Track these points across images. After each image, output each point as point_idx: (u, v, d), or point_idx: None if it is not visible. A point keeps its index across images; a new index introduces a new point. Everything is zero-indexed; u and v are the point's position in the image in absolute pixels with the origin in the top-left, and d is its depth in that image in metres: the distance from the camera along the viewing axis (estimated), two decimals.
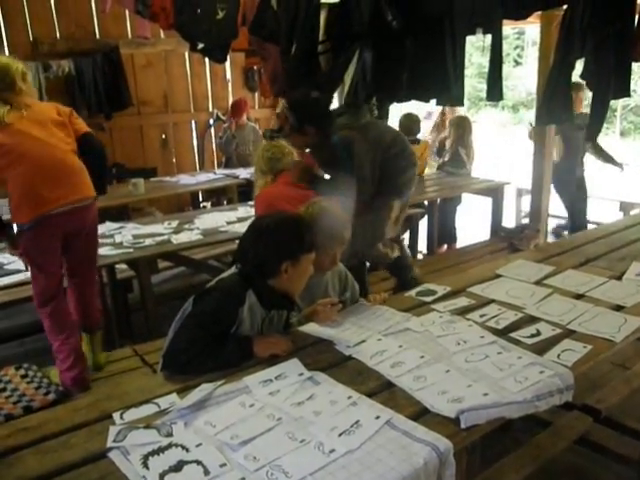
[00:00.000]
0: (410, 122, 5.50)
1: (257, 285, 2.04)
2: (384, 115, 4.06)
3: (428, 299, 2.50)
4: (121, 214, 5.03)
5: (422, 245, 5.80)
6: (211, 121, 7.36)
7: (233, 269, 2.12)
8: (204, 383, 1.80)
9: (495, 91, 3.96)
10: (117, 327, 4.00)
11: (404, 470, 1.39)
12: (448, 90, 3.35)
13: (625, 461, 2.56)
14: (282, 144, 3.35)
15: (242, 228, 3.89)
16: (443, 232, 5.82)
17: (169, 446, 1.50)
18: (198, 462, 1.43)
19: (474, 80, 17.13)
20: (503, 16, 3.25)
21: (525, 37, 19.69)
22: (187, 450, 1.48)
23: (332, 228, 2.34)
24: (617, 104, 15.32)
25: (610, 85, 3.15)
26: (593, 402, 2.60)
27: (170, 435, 1.54)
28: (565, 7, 3.37)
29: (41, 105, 2.95)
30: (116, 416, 1.65)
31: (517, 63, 19.93)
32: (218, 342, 1.93)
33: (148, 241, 3.75)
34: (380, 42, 3.32)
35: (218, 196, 6.20)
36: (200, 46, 4.30)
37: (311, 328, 2.22)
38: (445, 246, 5.97)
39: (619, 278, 2.68)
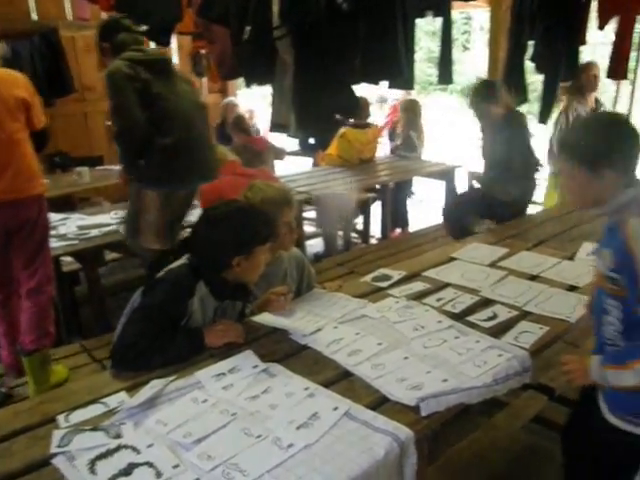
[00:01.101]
0: (363, 106, 5.47)
1: (208, 276, 1.97)
2: (347, 96, 3.99)
3: (384, 284, 2.48)
4: (66, 204, 4.83)
5: (376, 229, 5.81)
6: None
7: (183, 259, 2.03)
8: (154, 379, 1.71)
9: (446, 74, 3.98)
10: (64, 323, 3.84)
11: (364, 462, 1.35)
12: (400, 73, 3.33)
13: None
14: None
15: (193, 217, 3.81)
16: (395, 216, 5.83)
17: (118, 448, 1.42)
18: (149, 464, 1.36)
19: (423, 65, 17.23)
20: None
21: (472, 22, 19.91)
22: (138, 452, 1.40)
23: (272, 197, 2.29)
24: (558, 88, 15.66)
25: (560, 67, 3.19)
26: (547, 381, 2.64)
27: (119, 436, 1.46)
28: None
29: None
30: (60, 419, 1.55)
31: (465, 48, 20.15)
32: (168, 335, 1.85)
33: (94, 232, 3.61)
34: (334, 26, 3.25)
35: None
36: (143, 28, 4.13)
37: (265, 318, 2.15)
38: (398, 230, 5.98)
39: (571, 258, 2.71)
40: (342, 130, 5.33)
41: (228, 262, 1.94)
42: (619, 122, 1.65)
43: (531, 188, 3.84)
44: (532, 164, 3.71)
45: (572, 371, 1.71)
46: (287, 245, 2.40)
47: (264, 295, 2.25)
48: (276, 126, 3.89)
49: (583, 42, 3.20)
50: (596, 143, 1.58)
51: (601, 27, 3.13)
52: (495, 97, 3.45)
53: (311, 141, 6.16)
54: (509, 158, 3.54)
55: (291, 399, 1.60)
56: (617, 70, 3.05)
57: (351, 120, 5.36)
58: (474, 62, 18.33)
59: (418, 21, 3.99)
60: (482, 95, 3.52)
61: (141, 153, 2.98)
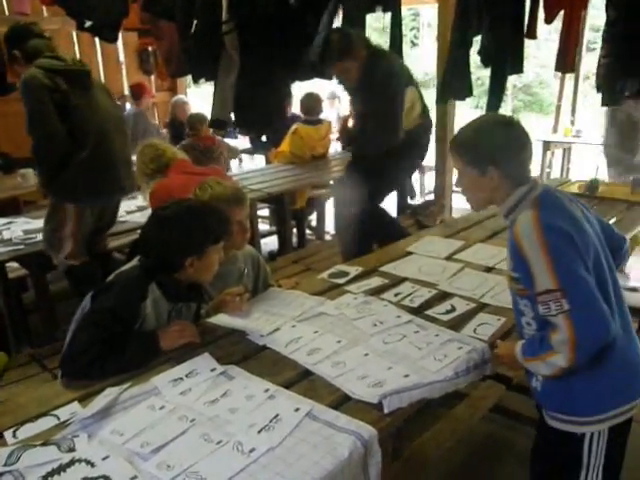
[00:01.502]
0: (312, 102, 5.45)
1: (160, 278, 1.90)
2: (287, 94, 3.97)
3: (341, 281, 2.46)
4: (10, 208, 4.64)
5: (330, 226, 5.80)
6: None
7: (135, 262, 1.96)
8: (108, 387, 1.65)
9: None
10: (12, 331, 3.69)
11: (328, 463, 1.33)
12: None
13: (536, 424, 2.66)
14: (154, 142, 3.31)
15: (143, 218, 3.71)
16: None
17: (71, 463, 1.35)
18: (105, 477, 1.29)
19: None
20: None
21: (420, 19, 20.14)
22: (92, 465, 1.34)
23: (222, 195, 2.24)
24: (508, 83, 16.03)
25: (507, 61, 3.23)
26: (504, 370, 2.67)
27: (72, 450, 1.39)
28: None
29: None
30: (8, 435, 1.47)
31: (413, 44, 20.37)
32: (120, 341, 1.78)
33: (41, 236, 3.47)
34: (282, 21, 3.21)
35: None
36: (88, 24, 4.02)
37: (221, 319, 2.10)
38: None
39: None
40: (294, 127, 5.29)
41: (181, 263, 1.88)
42: (506, 123, 1.67)
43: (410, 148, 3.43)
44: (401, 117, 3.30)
45: (502, 356, 1.75)
46: (239, 244, 2.35)
47: (219, 296, 2.20)
48: (215, 122, 3.83)
49: (534, 36, 3.26)
50: (482, 144, 1.62)
51: (548, 21, 3.19)
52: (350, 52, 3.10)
53: (263, 139, 6.12)
54: (372, 109, 3.22)
55: (251, 402, 1.57)
56: (564, 62, 3.12)
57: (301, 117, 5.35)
58: (422, 58, 18.56)
59: (367, 18, 3.99)
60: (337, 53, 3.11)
61: (60, 166, 2.92)
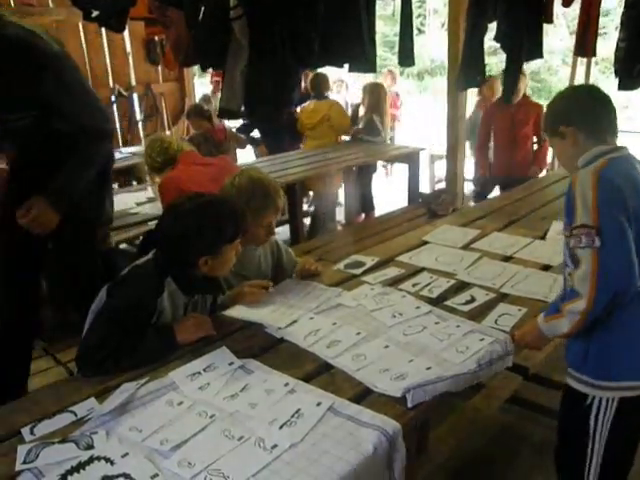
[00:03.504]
0: (320, 80, 5.60)
1: (175, 273, 1.87)
2: (296, 82, 3.91)
3: (357, 271, 2.42)
4: None
5: (340, 215, 5.76)
6: (112, 98, 6.91)
7: (150, 255, 1.93)
8: (125, 383, 1.62)
9: (407, 56, 3.92)
10: None
11: (353, 459, 1.30)
12: (364, 54, 3.25)
13: (554, 414, 2.63)
14: (160, 136, 3.37)
15: (153, 209, 3.70)
16: (360, 201, 5.78)
17: (91, 460, 1.32)
18: (126, 475, 1.27)
19: (378, 49, 17.23)
20: None
21: (426, 5, 19.95)
22: (112, 463, 1.31)
23: (264, 197, 2.20)
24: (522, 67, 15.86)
25: (523, 47, 3.17)
26: (521, 360, 2.63)
27: (91, 447, 1.36)
28: None
29: None
30: (25, 432, 1.44)
31: (420, 31, 20.19)
32: (136, 336, 1.75)
33: None
34: (292, 6, 3.15)
35: (126, 176, 5.84)
36: (94, 14, 3.97)
37: (237, 312, 2.07)
38: (363, 215, 5.94)
39: (542, 238, 2.71)
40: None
41: (195, 262, 1.85)
42: (583, 87, 1.82)
43: None
44: None
45: (524, 334, 1.75)
46: (261, 242, 2.32)
47: (239, 287, 2.17)
48: (225, 112, 3.78)
49: (550, 21, 3.19)
50: (554, 109, 1.73)
51: (566, 4, 3.12)
52: None
53: (255, 134, 6.10)
54: None
55: (271, 396, 1.54)
56: (584, 47, 3.06)
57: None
58: (428, 44, 18.39)
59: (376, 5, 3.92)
60: None
61: None
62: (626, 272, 1.47)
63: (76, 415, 1.51)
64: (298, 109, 5.88)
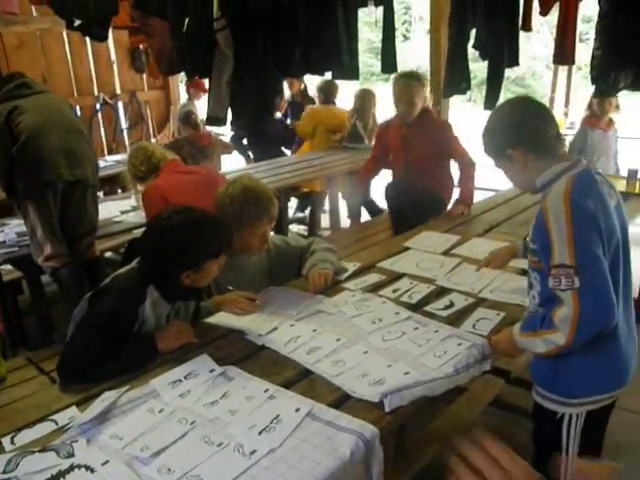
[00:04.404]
0: (329, 86, 5.66)
1: (157, 282, 1.88)
2: (278, 91, 3.94)
3: (340, 277, 2.44)
4: (3, 210, 4.60)
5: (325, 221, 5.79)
6: (97, 106, 6.91)
7: (132, 264, 1.94)
8: (106, 391, 1.64)
9: (389, 63, 3.96)
10: (8, 334, 3.66)
11: (331, 464, 1.32)
12: (343, 63, 3.29)
13: None
14: (144, 145, 3.39)
15: (137, 217, 3.71)
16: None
17: (71, 469, 1.33)
18: None
19: (364, 56, 17.32)
20: None
21: (412, 12, 20.10)
22: (92, 470, 1.33)
23: (258, 206, 2.22)
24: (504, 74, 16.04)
25: (504, 54, 3.22)
26: (503, 364, 2.66)
27: (71, 455, 1.37)
28: None
29: None
30: (6, 441, 1.45)
31: (405, 38, 20.34)
32: (118, 344, 1.76)
33: None
34: (274, 18, 3.19)
35: (110, 184, 5.83)
36: (77, 23, 3.98)
37: (218, 319, 2.09)
38: (349, 221, 5.94)
39: None
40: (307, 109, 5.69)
41: (177, 275, 1.86)
42: (513, 105, 1.71)
43: None
44: None
45: (499, 342, 1.77)
46: (254, 251, 2.34)
47: (228, 294, 2.18)
48: (211, 119, 3.80)
49: (529, 29, 3.25)
50: (494, 131, 1.66)
51: (543, 13, 3.17)
52: None
53: (244, 141, 6.13)
54: None
55: (251, 403, 1.55)
56: (563, 55, 3.10)
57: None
58: (414, 51, 18.49)
59: (360, 11, 3.97)
60: None
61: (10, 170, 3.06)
62: (607, 312, 1.48)
63: (57, 424, 1.52)
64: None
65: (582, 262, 1.47)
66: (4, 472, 1.33)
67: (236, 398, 1.58)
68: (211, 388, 1.63)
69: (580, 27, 7.14)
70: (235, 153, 6.37)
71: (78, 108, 6.75)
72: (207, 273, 1.92)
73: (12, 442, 1.45)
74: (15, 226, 3.69)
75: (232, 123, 3.86)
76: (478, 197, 3.91)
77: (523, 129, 1.61)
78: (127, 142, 7.26)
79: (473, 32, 3.65)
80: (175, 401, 1.58)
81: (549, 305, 1.59)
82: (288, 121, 6.42)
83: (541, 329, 1.57)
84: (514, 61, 3.37)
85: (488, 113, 1.76)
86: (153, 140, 7.27)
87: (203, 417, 1.50)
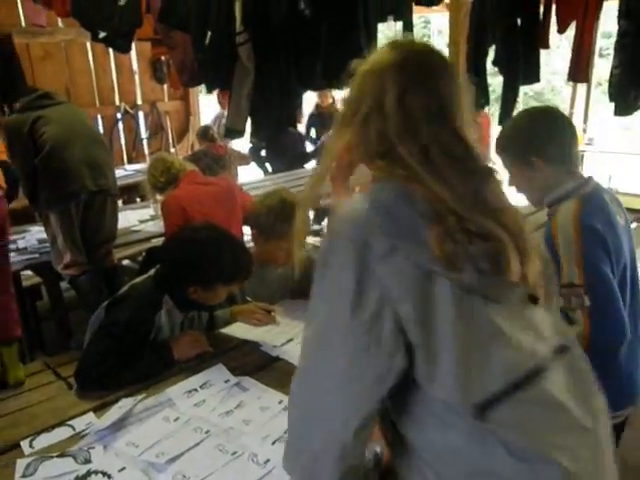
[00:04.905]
0: None
1: (171, 291, 1.91)
2: (299, 104, 3.97)
3: None
4: (25, 217, 4.68)
5: None
6: (119, 115, 7.02)
7: (150, 272, 1.98)
8: (123, 398, 1.66)
9: None
10: (26, 339, 3.71)
11: None
12: None
13: None
14: (163, 155, 3.46)
15: (156, 227, 3.76)
16: None
17: (88, 474, 1.36)
18: None
19: None
20: (416, 2, 3.25)
21: (431, 26, 20.17)
22: (109, 477, 1.35)
23: (291, 221, 2.24)
24: (520, 91, 16.00)
25: (519, 71, 3.23)
26: None
27: (88, 461, 1.40)
28: None
29: None
30: (24, 445, 1.49)
31: None
32: (135, 352, 1.79)
33: None
34: (296, 32, 3.23)
35: (130, 193, 5.92)
36: (102, 35, 4.05)
37: (234, 329, 2.12)
38: None
39: None
40: None
41: (184, 286, 1.88)
42: (546, 113, 1.68)
43: None
44: None
45: None
46: (279, 265, 2.36)
47: (248, 305, 2.20)
48: (231, 132, 3.85)
49: (546, 46, 3.26)
50: (521, 136, 1.62)
51: (560, 31, 3.19)
52: None
53: (262, 153, 6.18)
54: None
55: (265, 413, 1.57)
56: (578, 73, 3.11)
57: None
58: None
59: (379, 26, 4.00)
60: None
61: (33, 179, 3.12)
62: (617, 330, 1.47)
63: (74, 429, 1.55)
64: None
65: (591, 281, 1.47)
66: (23, 476, 1.36)
67: (251, 408, 1.60)
68: (226, 398, 1.65)
69: (600, 42, 7.15)
70: (253, 165, 6.43)
71: (100, 117, 6.87)
72: (215, 295, 1.93)
73: (31, 446, 1.48)
74: (36, 233, 3.76)
75: (251, 135, 3.90)
76: None
77: (554, 139, 1.60)
78: (147, 151, 7.37)
79: (492, 48, 3.67)
80: (190, 410, 1.60)
81: None
82: (313, 132, 6.46)
83: None
84: (534, 78, 3.37)
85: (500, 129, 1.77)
86: (172, 150, 7.37)
87: (218, 426, 1.52)
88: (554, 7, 3.17)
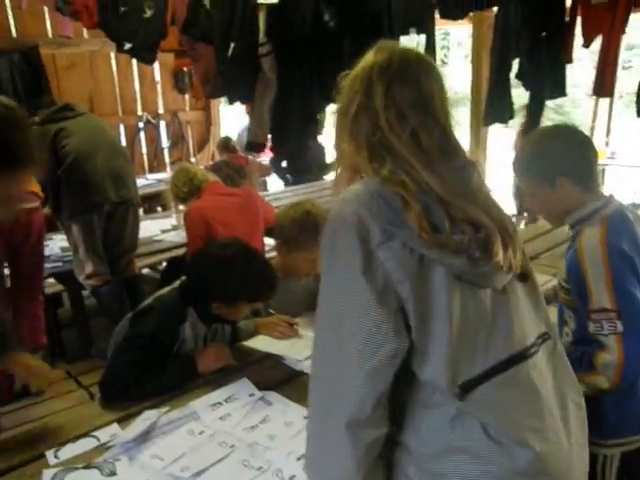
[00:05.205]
0: None
1: (195, 303, 1.91)
2: (321, 117, 3.98)
3: None
4: (48, 226, 4.73)
5: None
6: (140, 125, 7.09)
7: (175, 284, 1.98)
8: (147, 410, 1.66)
9: None
10: (47, 346, 3.74)
11: None
12: None
13: None
14: (186, 166, 3.47)
15: (177, 237, 3.77)
16: None
17: None
18: None
19: None
20: (441, 16, 3.24)
21: (450, 38, 20.16)
22: None
23: (315, 233, 2.24)
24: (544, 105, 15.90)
25: (545, 85, 3.21)
26: None
27: (114, 474, 1.40)
28: (496, 9, 3.42)
29: None
30: (50, 455, 1.49)
31: (444, 63, 20.38)
32: (159, 364, 1.79)
33: None
34: (320, 44, 3.25)
35: (151, 202, 5.96)
36: (127, 46, 4.11)
37: (256, 342, 2.11)
38: None
39: None
40: None
41: (209, 303, 1.88)
42: (567, 132, 1.64)
43: None
44: None
45: None
46: (302, 276, 2.35)
47: (270, 317, 2.20)
48: (252, 145, 3.86)
49: (569, 60, 3.23)
50: (545, 156, 1.58)
51: (586, 46, 3.16)
52: None
53: (283, 164, 6.19)
54: None
55: (290, 429, 1.56)
56: (603, 87, 3.08)
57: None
58: (452, 76, 18.52)
59: (401, 39, 4.01)
60: None
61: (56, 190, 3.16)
62: None
63: (99, 440, 1.55)
64: None
65: (623, 306, 1.44)
66: None
67: (275, 423, 1.58)
68: (250, 413, 1.64)
69: (623, 54, 7.08)
70: (273, 176, 6.45)
71: (122, 127, 6.95)
72: (237, 311, 1.93)
73: (56, 456, 1.48)
74: (59, 241, 3.79)
75: (272, 149, 3.90)
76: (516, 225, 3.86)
77: (580, 157, 1.57)
78: (167, 161, 7.43)
79: (516, 61, 3.66)
80: (215, 424, 1.59)
81: (583, 344, 1.55)
82: None
83: (580, 371, 1.52)
84: (560, 92, 3.34)
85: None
86: (193, 160, 7.42)
87: (243, 441, 1.51)
88: (579, 20, 3.14)
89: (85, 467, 1.42)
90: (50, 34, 5.99)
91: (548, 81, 3.24)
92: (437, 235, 0.96)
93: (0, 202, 1.37)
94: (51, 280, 3.62)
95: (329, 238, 1.03)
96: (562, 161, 1.56)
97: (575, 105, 17.02)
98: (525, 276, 1.11)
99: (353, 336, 0.98)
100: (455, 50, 20.32)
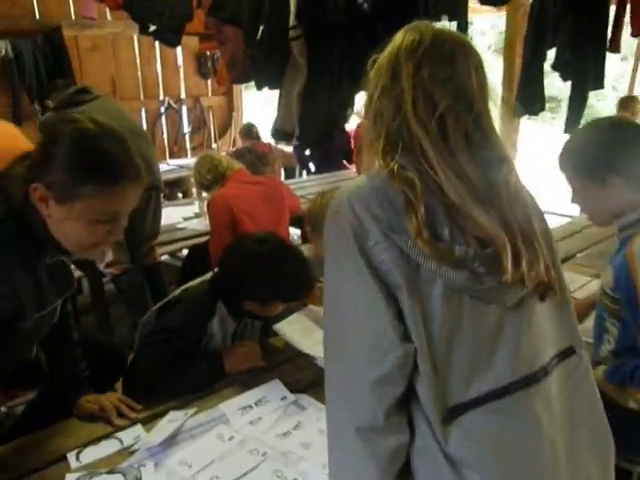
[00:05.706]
0: None
1: (225, 298, 1.82)
2: (351, 103, 3.86)
3: None
4: None
5: None
6: (162, 109, 7.00)
7: (206, 276, 1.89)
8: (172, 410, 1.57)
9: None
10: None
11: None
12: None
13: None
14: (210, 153, 3.38)
15: (200, 225, 3.68)
16: None
17: None
18: None
19: None
20: (482, 2, 3.11)
21: (473, 27, 19.85)
22: None
23: None
24: (562, 96, 15.62)
25: (589, 76, 3.07)
26: None
27: None
28: None
29: None
30: (71, 457, 1.40)
31: None
32: (185, 360, 1.70)
33: None
34: (353, 28, 3.12)
35: (171, 188, 5.87)
36: (152, 28, 4.01)
37: (289, 330, 1.99)
38: None
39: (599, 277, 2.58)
40: None
41: (240, 300, 1.80)
42: (616, 124, 1.53)
43: None
44: None
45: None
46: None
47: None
48: (279, 133, 3.75)
49: (617, 50, 3.08)
50: (596, 151, 1.47)
51: (635, 34, 3.01)
52: None
53: (306, 152, 6.06)
54: None
55: (325, 437, 1.45)
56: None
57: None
58: None
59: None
60: None
61: None
62: None
63: (122, 443, 1.46)
64: None
65: None
66: None
67: (309, 431, 1.49)
68: (282, 418, 1.55)
69: None
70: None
71: (143, 111, 6.87)
72: (271, 310, 1.85)
73: (77, 459, 1.40)
74: None
75: (298, 138, 3.79)
76: (551, 223, 3.73)
77: (630, 155, 1.45)
78: (188, 146, 7.34)
79: (551, 52, 3.51)
80: (245, 428, 1.50)
81: (627, 355, 1.46)
82: None
83: (632, 385, 1.43)
84: (599, 84, 3.21)
85: (565, 136, 1.62)
86: (214, 146, 7.33)
87: (275, 449, 1.42)
88: (628, 8, 2.99)
89: (109, 472, 1.34)
90: (73, 16, 5.90)
91: (591, 72, 3.10)
92: (436, 244, 0.88)
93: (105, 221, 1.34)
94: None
95: (328, 234, 1.00)
96: (614, 157, 1.44)
97: (600, 98, 16.69)
98: (547, 288, 0.98)
99: (357, 343, 0.94)
100: (478, 39, 20.02)
